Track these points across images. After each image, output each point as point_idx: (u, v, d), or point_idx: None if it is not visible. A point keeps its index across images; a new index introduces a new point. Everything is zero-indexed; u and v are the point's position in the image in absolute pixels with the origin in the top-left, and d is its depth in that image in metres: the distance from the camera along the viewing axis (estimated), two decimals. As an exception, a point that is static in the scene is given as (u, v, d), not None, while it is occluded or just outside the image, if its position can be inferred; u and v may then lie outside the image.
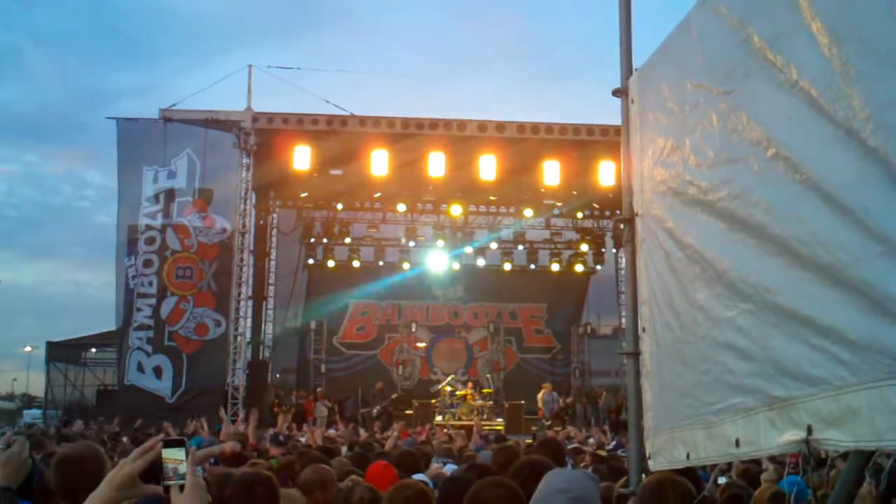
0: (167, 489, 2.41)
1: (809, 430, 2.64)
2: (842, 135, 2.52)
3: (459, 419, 24.39)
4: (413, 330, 31.34)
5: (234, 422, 19.98)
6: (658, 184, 4.02)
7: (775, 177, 2.90)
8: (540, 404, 26.04)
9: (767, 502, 5.88)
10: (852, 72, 2.49)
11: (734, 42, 3.25)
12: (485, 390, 27.25)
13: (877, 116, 2.37)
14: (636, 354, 4.21)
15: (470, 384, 27.11)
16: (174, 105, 23.78)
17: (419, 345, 31.42)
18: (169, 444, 2.48)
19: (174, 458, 2.44)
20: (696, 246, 3.55)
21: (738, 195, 3.18)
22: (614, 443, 13.91)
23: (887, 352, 2.28)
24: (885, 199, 2.32)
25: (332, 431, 18.14)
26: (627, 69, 4.45)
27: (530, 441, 13.56)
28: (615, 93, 4.46)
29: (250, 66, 24.26)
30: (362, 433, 17.03)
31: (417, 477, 5.96)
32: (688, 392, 3.59)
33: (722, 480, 6.85)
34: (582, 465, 8.57)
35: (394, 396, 27.18)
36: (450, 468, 7.43)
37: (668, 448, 3.81)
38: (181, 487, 2.39)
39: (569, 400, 27.88)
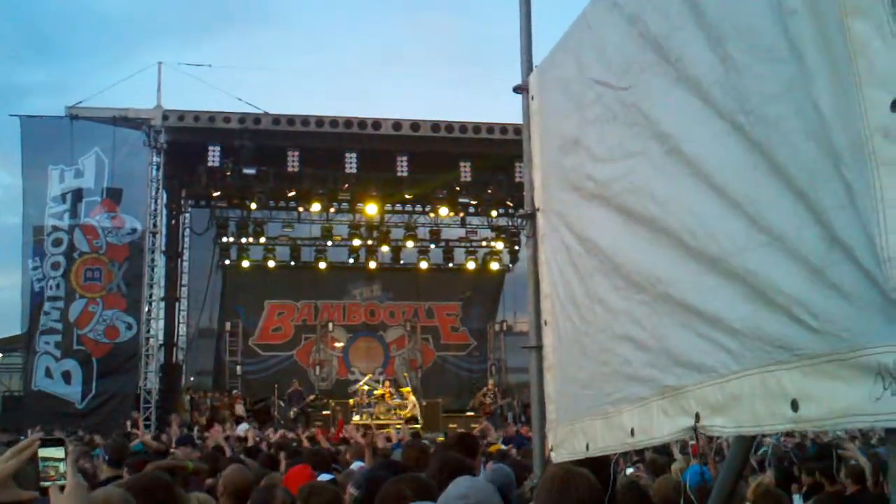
0: (45, 490, 2.33)
1: (697, 417, 2.70)
2: (728, 128, 2.59)
3: (377, 419, 24.33)
4: (330, 330, 31.12)
5: (147, 427, 19.66)
6: (558, 179, 4.06)
7: (670, 170, 2.96)
8: None
9: (674, 491, 5.99)
10: (736, 67, 2.55)
11: (630, 37, 3.30)
12: (403, 389, 27.24)
13: (759, 110, 2.44)
14: (539, 348, 4.25)
15: (387, 383, 27.06)
16: (81, 102, 23.18)
17: (336, 345, 31.20)
18: (47, 443, 2.39)
19: (53, 457, 2.36)
20: (594, 239, 3.60)
21: (634, 189, 3.24)
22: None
23: (766, 339, 2.34)
24: (769, 190, 2.38)
25: (240, 430, 17.91)
26: (528, 66, 4.49)
27: (442, 438, 13.60)
28: (516, 89, 4.50)
29: (160, 63, 23.82)
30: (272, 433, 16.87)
31: (324, 477, 5.92)
32: (588, 383, 3.64)
33: (630, 471, 6.98)
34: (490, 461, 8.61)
35: (311, 397, 26.96)
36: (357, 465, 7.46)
37: (569, 439, 3.86)
38: (61, 488, 2.32)
39: (506, 399, 28.04)
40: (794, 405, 2.23)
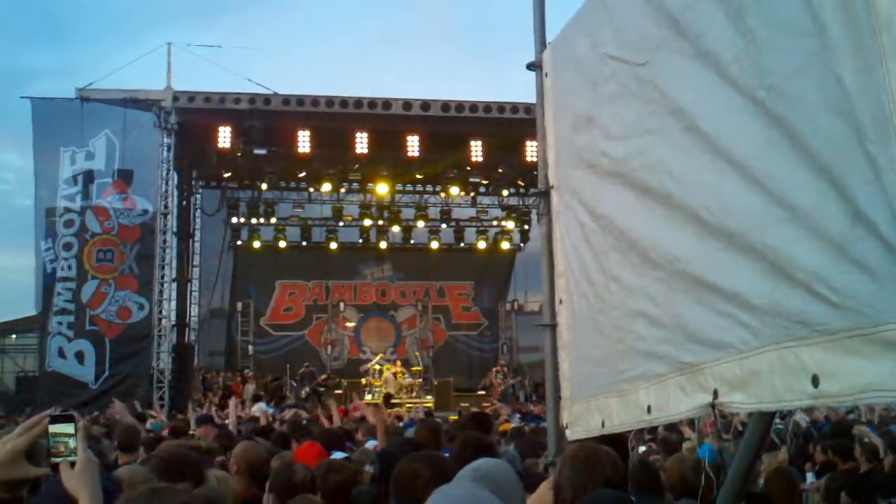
0: (56, 466, 2.33)
1: (716, 394, 2.69)
2: (748, 104, 2.56)
3: (388, 397, 24.40)
4: (341, 309, 31.18)
5: (161, 406, 19.75)
6: (573, 156, 4.04)
7: (688, 147, 2.93)
8: None
9: (690, 470, 5.97)
10: (756, 42, 2.52)
11: (646, 13, 3.27)
12: (414, 368, 27.31)
13: (780, 86, 2.41)
14: (553, 326, 4.24)
15: (399, 362, 27.14)
16: (91, 84, 23.16)
17: (348, 324, 31.27)
18: (57, 419, 2.38)
19: (63, 433, 2.35)
20: (609, 217, 3.58)
21: (650, 166, 3.21)
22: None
23: (786, 314, 2.33)
24: (789, 166, 2.35)
25: (256, 410, 17.97)
26: (541, 42, 4.46)
27: (455, 416, 13.65)
28: (529, 66, 4.47)
29: (169, 44, 23.79)
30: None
31: (338, 455, 5.95)
32: (603, 361, 3.63)
33: (642, 449, 6.98)
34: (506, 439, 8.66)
35: (323, 377, 27.05)
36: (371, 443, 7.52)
37: (584, 417, 3.85)
38: (72, 464, 2.32)
39: (517, 378, 28.10)
40: (815, 381, 2.22)
